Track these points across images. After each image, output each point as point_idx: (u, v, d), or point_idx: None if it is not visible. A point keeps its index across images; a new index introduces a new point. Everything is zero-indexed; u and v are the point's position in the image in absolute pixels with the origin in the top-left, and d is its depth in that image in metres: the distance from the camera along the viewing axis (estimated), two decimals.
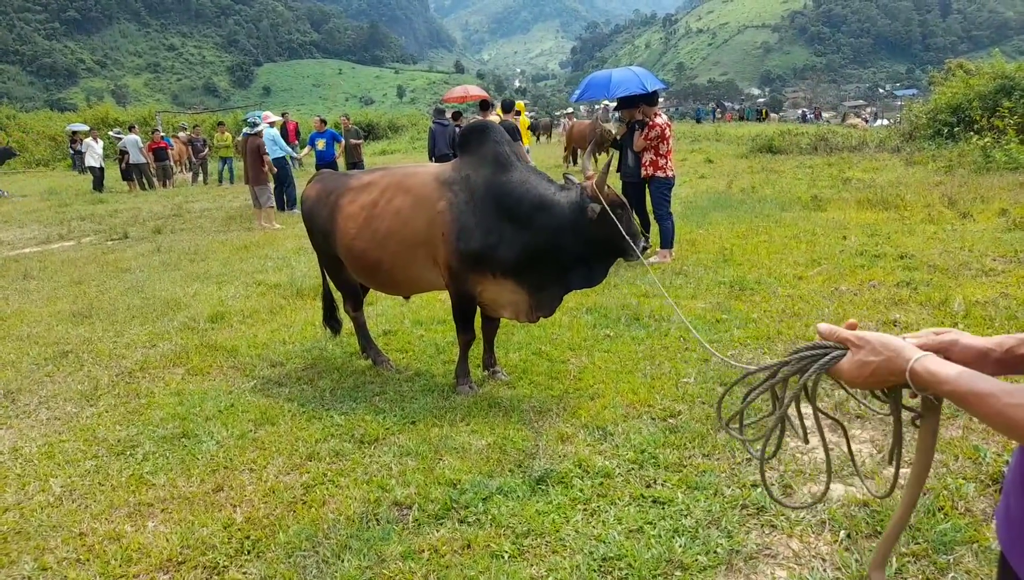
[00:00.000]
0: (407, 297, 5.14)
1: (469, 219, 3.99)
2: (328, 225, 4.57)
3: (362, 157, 15.54)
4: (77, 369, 5.11)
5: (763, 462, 1.50)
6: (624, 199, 3.97)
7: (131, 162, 19.30)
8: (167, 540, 2.90)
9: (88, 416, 4.27)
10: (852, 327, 1.28)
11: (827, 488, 1.53)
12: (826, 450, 1.48)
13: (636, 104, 7.75)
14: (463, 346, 4.37)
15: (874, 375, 1.18)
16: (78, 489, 3.39)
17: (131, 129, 20.98)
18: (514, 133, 10.21)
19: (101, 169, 19.43)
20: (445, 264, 4.11)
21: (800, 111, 64.18)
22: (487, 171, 4.04)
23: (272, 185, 12.04)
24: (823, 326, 1.29)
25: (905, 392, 1.24)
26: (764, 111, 51.03)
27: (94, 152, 19.39)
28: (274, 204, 11.90)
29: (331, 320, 5.17)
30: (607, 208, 3.78)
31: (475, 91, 16.43)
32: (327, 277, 5.06)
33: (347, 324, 5.63)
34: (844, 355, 1.23)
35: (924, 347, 1.18)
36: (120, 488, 3.37)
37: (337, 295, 5.12)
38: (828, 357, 1.26)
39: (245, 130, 12.96)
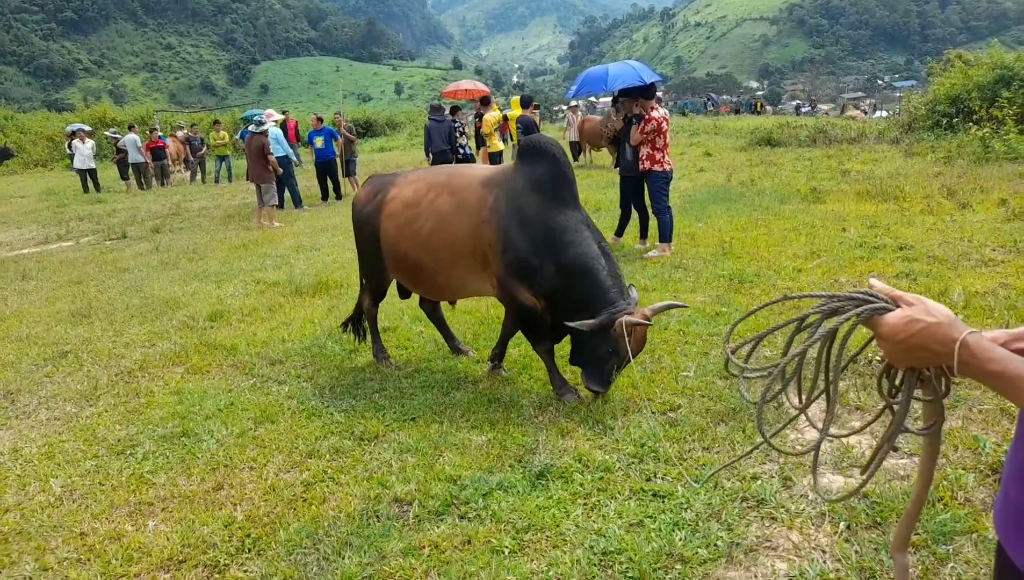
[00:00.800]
0: (452, 302, 5.00)
1: (514, 233, 3.87)
2: (375, 225, 4.48)
3: (356, 154, 15.46)
4: (76, 369, 5.11)
5: (762, 405, 1.45)
6: (624, 352, 3.75)
7: (130, 161, 19.26)
8: (168, 539, 2.90)
9: (88, 416, 4.27)
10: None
11: (871, 467, 1.41)
12: (830, 401, 1.39)
13: (635, 97, 7.73)
14: (544, 356, 4.15)
15: (917, 337, 1.11)
16: (78, 489, 3.39)
17: (130, 128, 20.92)
18: (532, 128, 10.22)
19: (89, 171, 19.15)
20: (496, 276, 4.01)
21: (795, 103, 64.12)
22: (539, 197, 3.88)
23: (274, 184, 11.96)
24: (876, 282, 1.23)
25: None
26: (759, 104, 50.72)
27: (81, 154, 19.03)
28: (276, 202, 11.85)
29: (356, 324, 5.05)
30: (615, 341, 3.70)
31: (473, 86, 16.36)
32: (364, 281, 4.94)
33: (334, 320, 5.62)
34: (891, 310, 1.17)
35: None
36: (120, 487, 3.37)
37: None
38: (875, 305, 1.19)
39: (249, 128, 12.97)
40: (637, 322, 3.70)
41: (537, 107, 13.74)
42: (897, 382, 1.25)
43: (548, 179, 3.90)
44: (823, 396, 1.39)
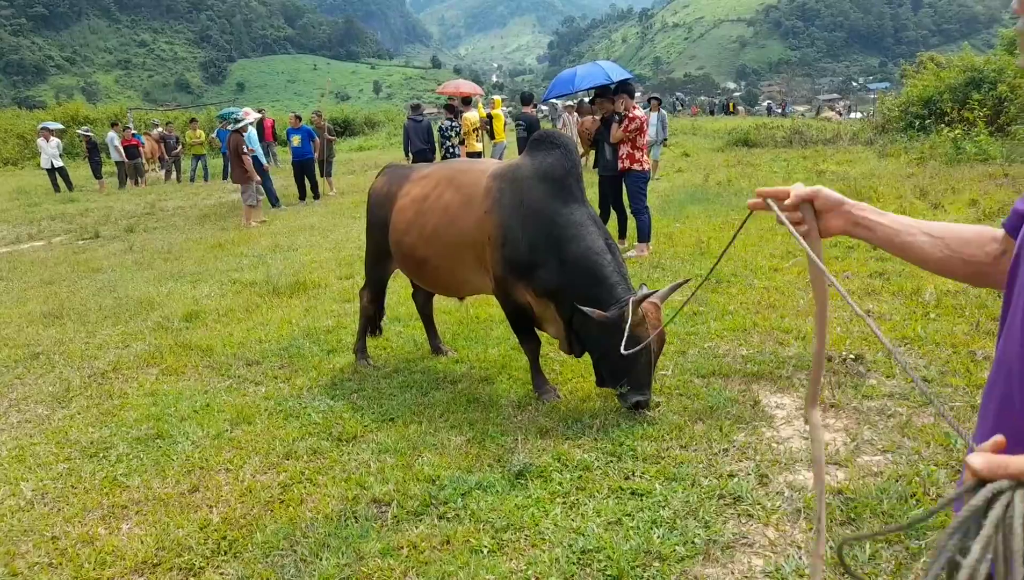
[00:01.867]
0: (461, 298, 4.94)
1: (515, 226, 3.77)
2: (385, 218, 4.44)
3: (334, 154, 15.33)
4: (48, 371, 5.02)
5: None
6: (655, 343, 3.60)
7: (114, 160, 19.07)
8: (142, 542, 2.87)
9: (60, 418, 4.20)
10: (757, 207, 1.33)
11: None
12: None
13: (611, 97, 7.75)
14: (530, 354, 4.10)
15: None
16: (50, 492, 3.33)
17: (112, 126, 20.60)
18: (535, 125, 10.20)
19: (58, 169, 18.76)
20: (492, 271, 3.93)
21: (767, 104, 64.82)
22: (545, 189, 3.78)
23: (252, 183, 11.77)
24: (976, 461, 0.81)
25: None
26: (731, 104, 50.91)
27: (45, 153, 18.52)
28: (254, 202, 11.68)
29: (373, 325, 5.00)
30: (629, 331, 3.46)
31: (467, 87, 16.09)
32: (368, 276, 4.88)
33: (326, 321, 5.60)
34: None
35: (796, 204, 1.26)
36: (93, 490, 3.32)
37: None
38: (1006, 505, 0.78)
39: (228, 127, 12.82)
40: (645, 296, 3.53)
41: (536, 105, 13.68)
42: None
43: (556, 173, 3.80)
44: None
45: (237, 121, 12.05)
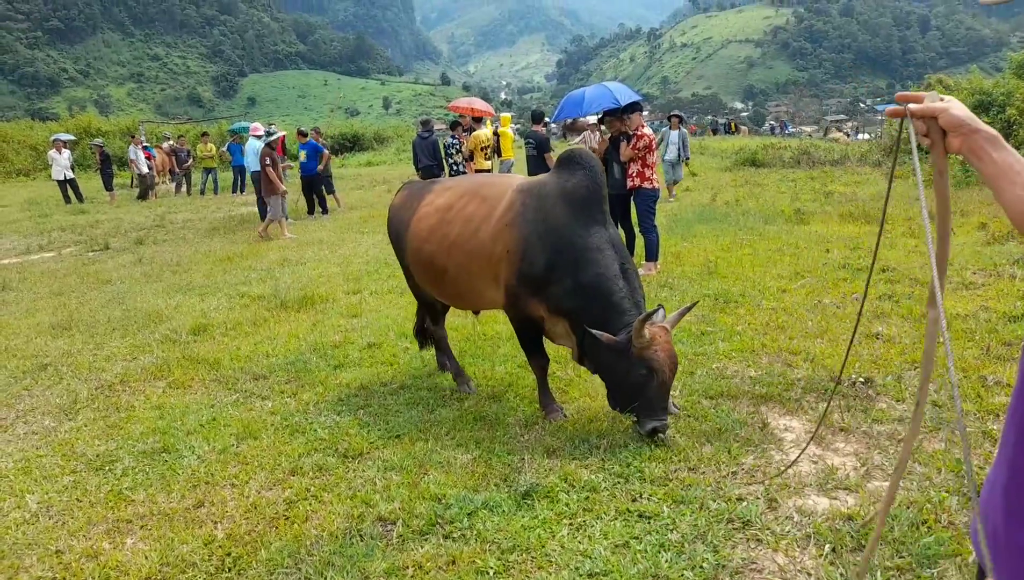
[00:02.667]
0: (476, 312, 4.91)
1: (535, 242, 3.75)
2: (404, 229, 4.43)
3: (329, 170, 15.20)
4: (56, 382, 5.03)
5: None
6: (659, 365, 3.54)
7: (138, 173, 19.29)
8: (146, 557, 2.85)
9: (66, 430, 4.21)
10: (895, 114, 1.40)
11: None
12: None
13: (620, 116, 7.78)
14: (538, 372, 4.07)
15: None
16: (55, 505, 3.33)
17: (132, 139, 20.77)
18: (545, 144, 10.21)
19: (69, 181, 18.88)
20: (505, 284, 3.88)
21: (769, 124, 65.02)
22: (568, 209, 3.76)
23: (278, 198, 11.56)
24: (914, 106, 1.37)
25: None
26: (733, 124, 50.40)
27: (58, 164, 18.67)
28: (276, 216, 11.59)
29: (420, 333, 4.99)
30: (635, 360, 3.50)
31: (480, 105, 16.06)
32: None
33: (326, 337, 5.59)
34: None
35: (923, 114, 1.35)
36: (98, 504, 3.31)
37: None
38: None
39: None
40: (648, 316, 3.47)
41: (547, 124, 13.69)
42: None
43: (580, 194, 3.78)
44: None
45: (269, 135, 12.06)
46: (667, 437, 3.60)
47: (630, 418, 3.73)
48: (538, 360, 4.08)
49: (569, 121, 11.33)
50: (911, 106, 1.34)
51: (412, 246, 4.35)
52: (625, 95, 8.08)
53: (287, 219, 12.03)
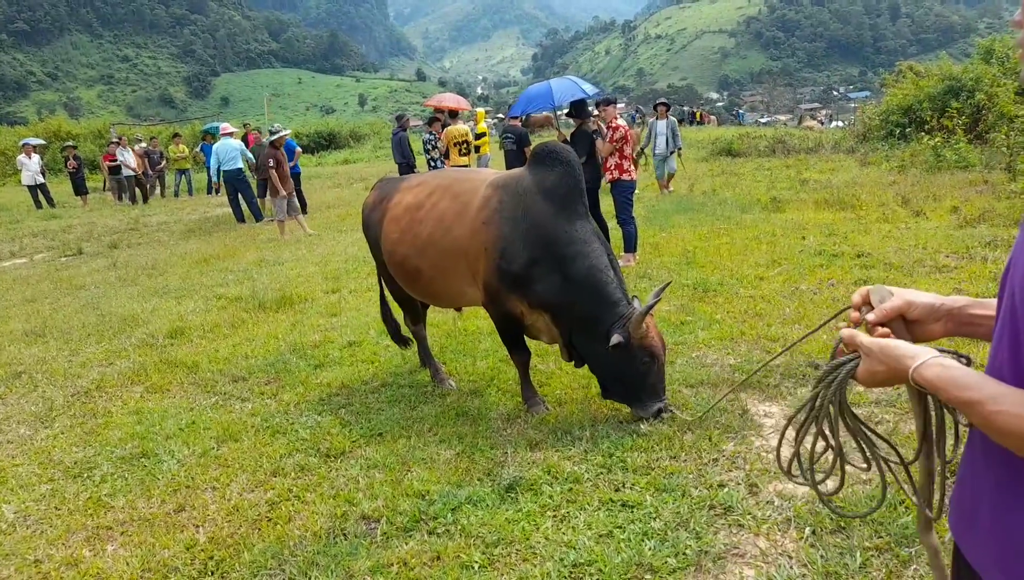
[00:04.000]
0: (458, 309, 4.85)
1: (515, 238, 3.71)
2: (377, 230, 4.37)
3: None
4: (31, 390, 4.96)
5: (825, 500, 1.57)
6: (658, 350, 3.63)
7: (126, 177, 18.92)
8: (127, 564, 2.82)
9: (43, 438, 4.15)
10: (855, 322, 1.29)
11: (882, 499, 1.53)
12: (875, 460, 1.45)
13: (587, 111, 7.76)
14: (520, 367, 4.08)
15: (885, 381, 1.19)
16: (33, 514, 3.28)
17: (119, 141, 20.27)
18: (525, 139, 10.20)
19: (40, 186, 18.46)
20: (483, 281, 3.85)
21: (735, 111, 65.94)
22: (549, 204, 3.72)
23: (280, 200, 11.22)
24: (845, 332, 1.26)
25: None
26: (699, 114, 49.99)
27: (28, 169, 18.19)
28: (283, 217, 11.33)
29: (397, 337, 4.92)
30: (631, 351, 3.55)
31: (451, 100, 15.89)
32: (383, 290, 4.83)
33: (303, 335, 5.56)
34: (858, 364, 1.23)
35: (882, 322, 1.23)
36: (77, 512, 3.27)
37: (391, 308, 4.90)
38: (844, 371, 1.27)
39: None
40: (646, 311, 3.54)
41: (524, 120, 13.61)
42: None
43: (560, 189, 3.74)
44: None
45: (272, 133, 11.81)
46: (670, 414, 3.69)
47: (626, 407, 3.81)
48: (519, 355, 4.07)
49: (524, 117, 11.26)
50: (869, 317, 1.26)
51: (385, 248, 4.30)
52: (588, 87, 8.15)
53: (302, 214, 11.84)
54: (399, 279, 4.39)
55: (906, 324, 1.25)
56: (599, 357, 3.72)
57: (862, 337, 1.22)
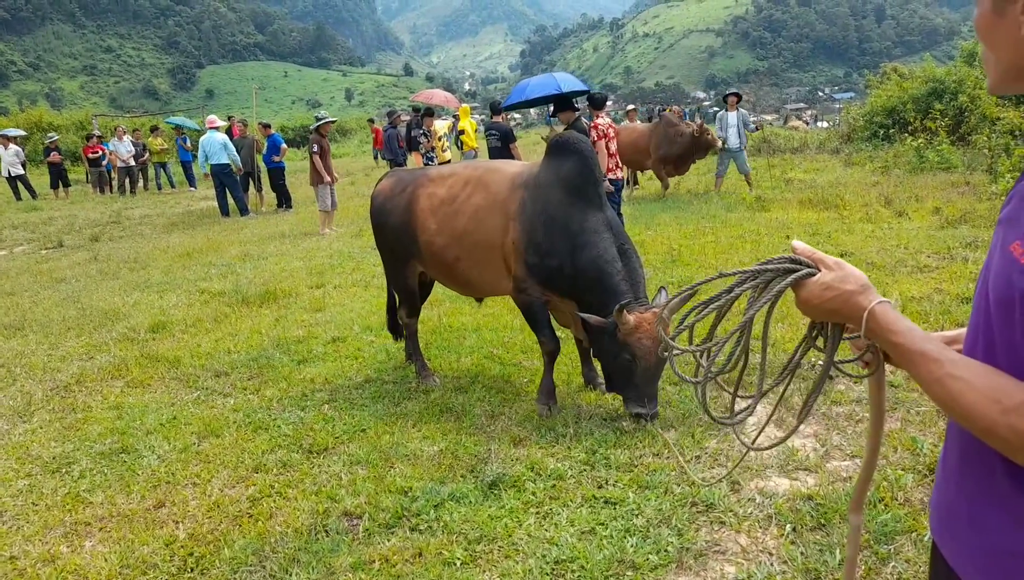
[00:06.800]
0: (480, 300, 4.90)
1: (538, 233, 3.79)
2: (404, 220, 4.35)
3: (256, 166, 14.71)
4: (9, 384, 4.89)
5: (704, 383, 1.50)
6: (642, 352, 3.56)
7: (120, 168, 18.68)
8: (105, 560, 2.79)
9: (21, 433, 4.09)
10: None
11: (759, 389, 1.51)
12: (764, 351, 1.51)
13: (573, 108, 7.77)
14: (546, 357, 4.02)
15: (831, 303, 1.14)
16: (9, 510, 3.24)
17: (114, 131, 19.87)
18: (510, 135, 10.17)
19: (19, 177, 18.17)
20: (514, 275, 3.93)
21: (711, 110, 66.39)
22: (563, 196, 3.79)
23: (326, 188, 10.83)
24: (799, 244, 1.24)
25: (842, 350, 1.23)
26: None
27: (5, 161, 17.81)
28: (325, 207, 10.88)
29: (394, 327, 4.94)
30: (631, 352, 3.55)
31: (439, 98, 15.77)
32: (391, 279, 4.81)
33: (291, 332, 5.53)
34: (812, 275, 1.18)
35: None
36: (55, 507, 3.24)
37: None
38: (801, 272, 1.20)
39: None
40: (626, 303, 3.52)
41: (505, 114, 13.49)
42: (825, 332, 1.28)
43: (574, 180, 3.81)
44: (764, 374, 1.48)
45: (318, 119, 11.50)
46: (652, 423, 3.64)
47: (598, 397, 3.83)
48: (547, 345, 4.01)
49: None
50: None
51: (423, 239, 4.27)
52: (569, 84, 8.14)
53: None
54: (435, 268, 4.38)
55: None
56: (596, 347, 3.79)
57: (824, 254, 1.19)
